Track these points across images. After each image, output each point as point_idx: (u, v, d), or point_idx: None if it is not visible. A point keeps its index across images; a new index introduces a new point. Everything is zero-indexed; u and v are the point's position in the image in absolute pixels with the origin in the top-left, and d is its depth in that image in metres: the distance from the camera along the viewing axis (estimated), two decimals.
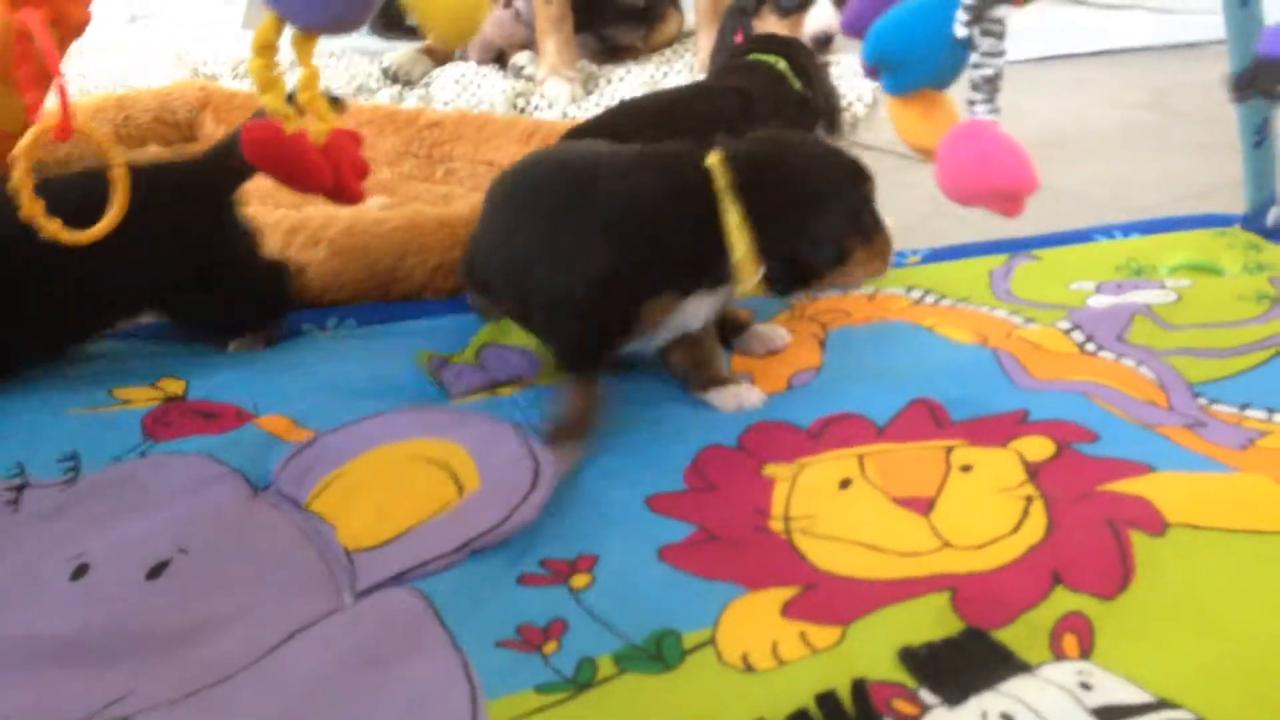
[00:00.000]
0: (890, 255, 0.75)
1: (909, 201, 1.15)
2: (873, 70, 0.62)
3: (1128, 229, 1.10)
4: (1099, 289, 0.98)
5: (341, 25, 0.68)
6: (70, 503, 0.70)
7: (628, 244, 0.73)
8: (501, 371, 0.88)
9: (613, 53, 1.92)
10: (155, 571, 0.63)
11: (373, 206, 1.18)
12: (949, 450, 0.73)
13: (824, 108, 1.07)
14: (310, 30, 0.69)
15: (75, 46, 0.86)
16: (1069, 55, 1.99)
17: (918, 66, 0.61)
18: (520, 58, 1.86)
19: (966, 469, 0.71)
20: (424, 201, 1.22)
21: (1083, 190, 1.30)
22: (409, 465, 0.73)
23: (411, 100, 1.74)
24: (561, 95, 1.70)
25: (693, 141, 0.74)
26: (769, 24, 1.42)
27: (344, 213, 1.06)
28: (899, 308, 0.97)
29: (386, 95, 1.75)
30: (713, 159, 0.73)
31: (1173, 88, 1.68)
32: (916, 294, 0.99)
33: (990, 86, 0.60)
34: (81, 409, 0.80)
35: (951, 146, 0.61)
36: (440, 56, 1.94)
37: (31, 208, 0.73)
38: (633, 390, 0.84)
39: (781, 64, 1.06)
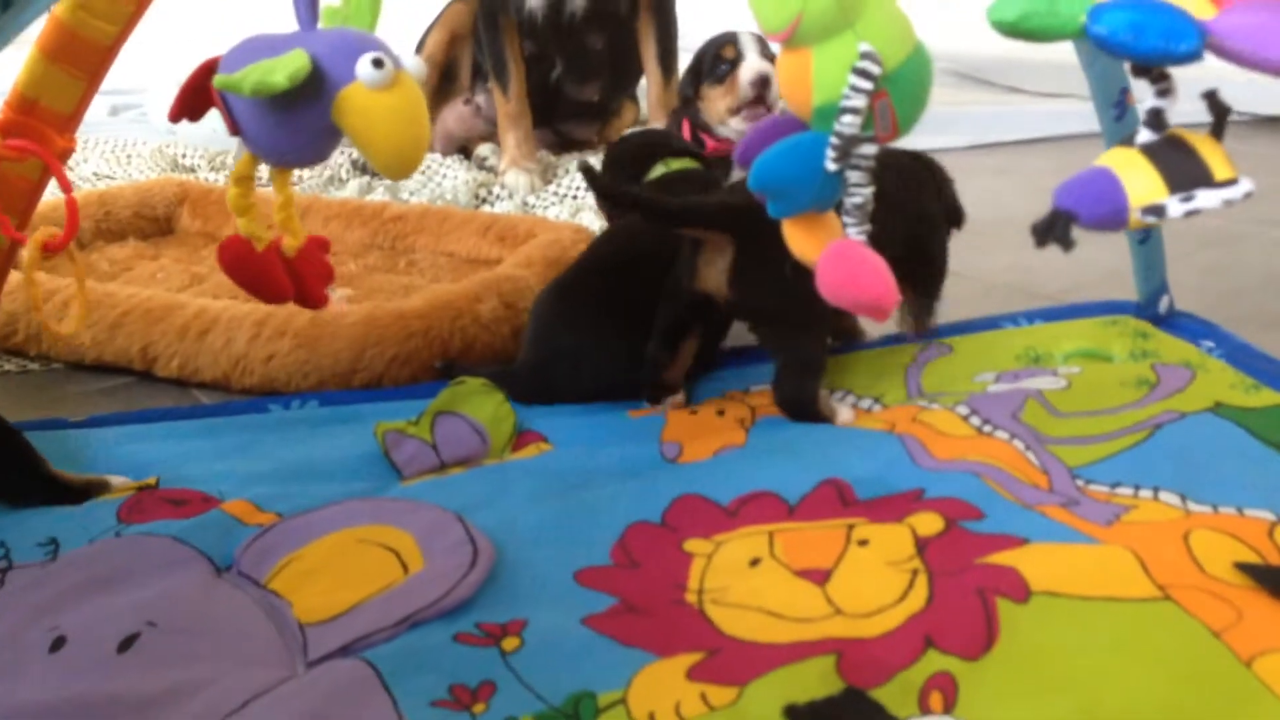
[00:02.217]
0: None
1: None
2: (761, 196, 0.72)
3: (1031, 316, 1.19)
4: (998, 378, 1.07)
5: (308, 163, 0.77)
6: (49, 579, 0.77)
7: None
8: (451, 451, 0.96)
9: (569, 145, 2.03)
10: (126, 644, 0.70)
11: (337, 298, 1.27)
12: (850, 527, 0.81)
13: None
14: (281, 166, 0.79)
15: None
16: (997, 144, 2.12)
17: (797, 195, 0.70)
18: (483, 149, 1.97)
19: (863, 543, 0.79)
20: (386, 293, 1.30)
21: (996, 277, 1.40)
22: (360, 548, 0.80)
23: (380, 190, 1.83)
24: (521, 185, 1.81)
25: None
26: (712, 97, 1.54)
27: None
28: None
29: (356, 185, 1.84)
30: None
31: None
32: (839, 394, 1.07)
33: (860, 212, 0.70)
34: None
35: (826, 263, 0.70)
36: None
37: None
38: (567, 469, 0.92)
39: None
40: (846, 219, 0.71)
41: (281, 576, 0.78)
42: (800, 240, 0.74)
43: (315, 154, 0.76)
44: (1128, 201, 0.56)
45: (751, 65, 1.50)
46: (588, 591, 0.76)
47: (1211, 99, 0.53)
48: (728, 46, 1.54)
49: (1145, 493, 0.84)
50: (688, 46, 1.91)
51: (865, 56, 0.66)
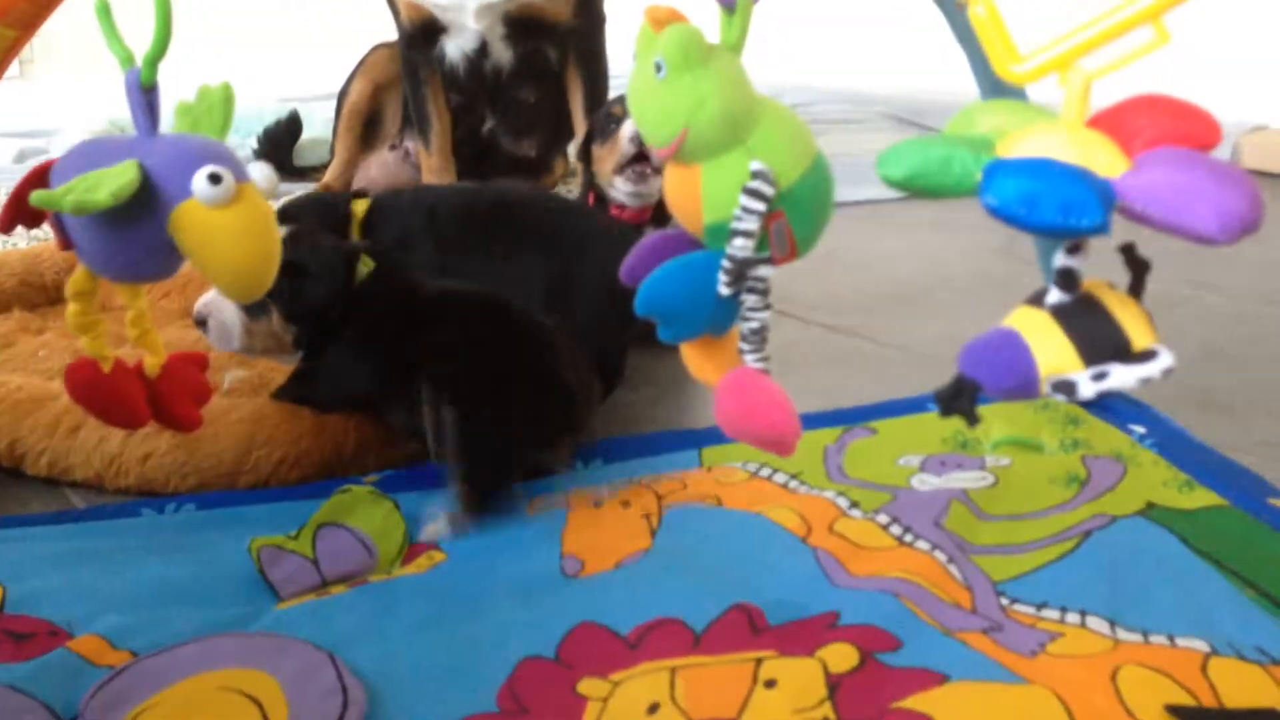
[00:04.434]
0: None
1: None
2: (650, 319, 0.65)
3: None
4: (923, 465, 1.02)
5: (149, 279, 0.70)
6: None
7: None
8: (335, 567, 0.88)
9: None
10: None
11: (228, 380, 1.19)
12: (758, 662, 0.75)
13: None
14: (118, 282, 0.71)
15: None
16: None
17: (688, 320, 0.64)
18: None
19: (770, 684, 0.73)
20: (283, 374, 1.22)
21: (928, 348, 1.35)
22: (219, 697, 0.72)
23: None
24: None
25: None
26: (600, 157, 1.45)
27: None
28: (736, 480, 1.00)
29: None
30: None
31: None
32: (753, 466, 1.02)
33: (757, 338, 0.64)
34: None
35: (722, 394, 0.64)
36: None
37: None
38: (458, 589, 0.85)
39: None
40: (743, 345, 0.65)
41: None
42: (699, 364, 0.68)
43: (155, 270, 0.69)
44: (1037, 373, 0.50)
45: (631, 126, 1.41)
46: None
47: (1129, 254, 0.48)
48: (617, 104, 1.45)
49: (1072, 616, 0.79)
50: None
51: (757, 175, 0.60)
